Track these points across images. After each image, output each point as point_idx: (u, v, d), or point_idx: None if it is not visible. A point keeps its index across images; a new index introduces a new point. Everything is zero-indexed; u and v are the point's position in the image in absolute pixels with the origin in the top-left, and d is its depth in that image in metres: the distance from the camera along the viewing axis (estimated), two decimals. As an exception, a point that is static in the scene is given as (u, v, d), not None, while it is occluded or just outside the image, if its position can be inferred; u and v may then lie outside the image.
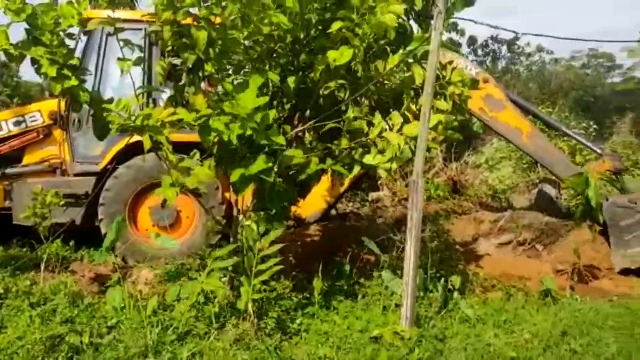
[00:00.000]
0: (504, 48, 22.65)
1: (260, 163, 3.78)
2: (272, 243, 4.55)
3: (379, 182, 11.39)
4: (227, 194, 6.81)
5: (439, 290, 4.94)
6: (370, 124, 4.40)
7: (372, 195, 11.26)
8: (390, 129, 4.33)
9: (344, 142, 4.42)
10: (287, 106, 5.19)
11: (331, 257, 6.03)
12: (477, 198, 10.94)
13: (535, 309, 5.05)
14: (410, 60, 4.87)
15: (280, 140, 3.89)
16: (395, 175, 11.02)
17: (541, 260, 6.87)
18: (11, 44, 4.16)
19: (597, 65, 26.44)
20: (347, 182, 7.38)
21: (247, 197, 5.25)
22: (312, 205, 7.81)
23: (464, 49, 22.49)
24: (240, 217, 5.16)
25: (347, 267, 5.56)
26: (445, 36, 19.91)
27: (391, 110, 4.80)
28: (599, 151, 7.59)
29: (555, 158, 7.53)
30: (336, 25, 4.07)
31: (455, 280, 5.25)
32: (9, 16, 4.08)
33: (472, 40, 22.98)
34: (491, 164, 12.56)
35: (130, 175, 6.75)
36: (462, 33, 22.32)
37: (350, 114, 4.44)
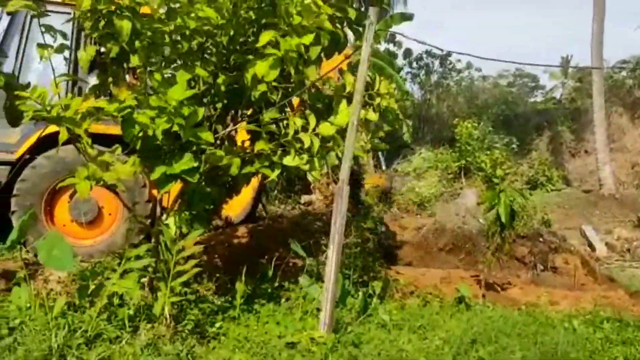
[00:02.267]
0: (437, 62, 23.43)
1: (185, 162, 3.69)
2: (196, 244, 4.46)
3: (311, 186, 11.47)
4: (154, 192, 6.61)
5: (359, 296, 5.01)
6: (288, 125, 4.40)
7: (304, 198, 11.30)
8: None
9: (262, 144, 4.39)
10: (219, 105, 5.11)
11: (257, 260, 5.97)
12: (404, 205, 11.23)
13: (449, 315, 5.22)
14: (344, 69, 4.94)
15: (209, 137, 3.82)
16: (328, 180, 11.13)
17: (457, 268, 7.13)
18: None
19: (522, 85, 27.92)
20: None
21: (172, 196, 5.12)
22: (236, 206, 7.73)
23: (400, 61, 23.07)
24: (164, 216, 5.03)
25: (270, 271, 5.51)
26: (383, 47, 20.36)
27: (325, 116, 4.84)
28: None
29: None
30: (265, 38, 4.04)
31: (376, 286, 5.34)
32: None
33: (407, 53, 23.62)
34: (418, 173, 12.95)
35: (50, 167, 6.38)
36: (399, 45, 22.96)
37: (267, 116, 4.42)
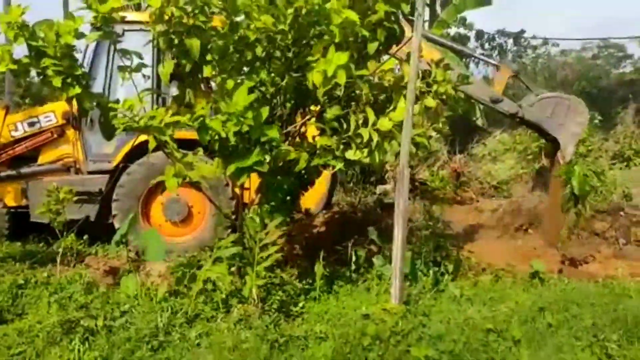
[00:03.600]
0: (510, 41, 22.80)
1: (254, 156, 4.12)
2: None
3: (386, 176, 11.69)
4: (237, 190, 7.14)
5: (430, 274, 5.26)
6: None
7: (380, 188, 11.55)
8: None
9: (325, 140, 4.74)
10: (288, 105, 5.52)
11: (336, 246, 6.34)
12: (479, 189, 11.20)
13: (522, 289, 5.33)
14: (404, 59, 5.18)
15: (274, 133, 4.22)
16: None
17: (533, 244, 7.13)
18: (16, 61, 4.53)
19: (608, 56, 26.44)
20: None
21: (253, 192, 5.60)
22: (314, 197, 8.14)
23: (472, 43, 22.70)
24: (246, 210, 5.51)
25: (360, 253, 5.83)
26: (453, 30, 20.14)
27: (387, 107, 5.11)
28: (495, 63, 8.07)
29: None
30: (316, 53, 4.36)
31: (449, 264, 5.56)
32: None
33: (479, 34, 23.17)
34: (494, 156, 12.78)
35: (143, 172, 7.06)
36: (470, 27, 22.57)
37: (330, 113, 4.75)
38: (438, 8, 17.11)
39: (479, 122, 13.37)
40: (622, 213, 8.02)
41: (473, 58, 16.76)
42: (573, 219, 6.60)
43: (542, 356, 3.86)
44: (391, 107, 4.85)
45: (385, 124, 4.59)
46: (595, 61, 25.08)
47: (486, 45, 23.36)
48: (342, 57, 4.20)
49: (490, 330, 4.05)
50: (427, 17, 18.20)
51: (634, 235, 7.71)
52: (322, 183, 8.10)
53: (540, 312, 4.50)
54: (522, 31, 22.08)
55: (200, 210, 7.39)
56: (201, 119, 4.12)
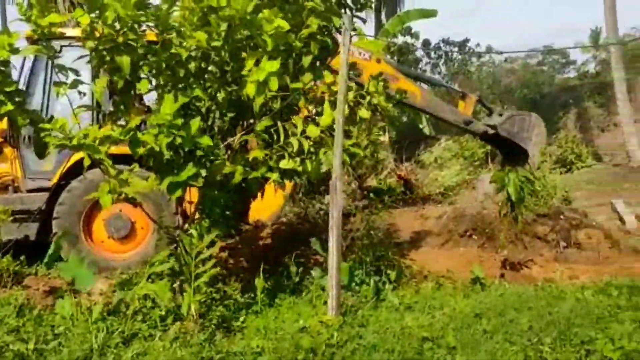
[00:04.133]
0: (456, 50, 23.38)
1: (188, 170, 4.09)
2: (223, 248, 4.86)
3: (335, 186, 11.74)
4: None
5: (371, 283, 5.30)
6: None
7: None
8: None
9: (256, 152, 4.74)
10: (226, 119, 5.49)
11: (282, 258, 6.32)
12: (426, 196, 11.41)
13: (462, 296, 5.43)
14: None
15: (206, 141, 4.20)
16: (348, 179, 11.42)
17: (477, 251, 7.30)
18: None
19: (553, 62, 27.51)
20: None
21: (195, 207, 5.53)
22: (267, 210, 8.11)
23: (419, 52, 23.17)
24: (186, 225, 5.44)
25: (294, 268, 5.84)
26: (400, 40, 20.51)
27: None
28: (461, 90, 8.83)
29: (445, 108, 8.22)
30: (250, 63, 4.38)
31: (391, 273, 5.62)
32: None
33: (426, 43, 23.66)
34: (440, 163, 13.07)
35: (82, 189, 6.88)
36: (416, 37, 23.05)
37: (260, 125, 4.77)
38: (383, 18, 17.40)
39: (425, 131, 13.65)
40: (562, 216, 8.30)
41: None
42: (511, 224, 6.79)
43: (476, 362, 3.93)
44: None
45: (313, 130, 4.64)
46: (541, 67, 26.02)
47: (432, 54, 23.91)
48: (274, 64, 4.23)
49: (425, 339, 4.10)
50: (372, 28, 18.53)
51: (573, 238, 7.99)
52: (278, 195, 8.09)
53: (477, 318, 4.59)
54: (467, 40, 22.69)
55: (143, 225, 7.26)
56: (132, 132, 4.05)
